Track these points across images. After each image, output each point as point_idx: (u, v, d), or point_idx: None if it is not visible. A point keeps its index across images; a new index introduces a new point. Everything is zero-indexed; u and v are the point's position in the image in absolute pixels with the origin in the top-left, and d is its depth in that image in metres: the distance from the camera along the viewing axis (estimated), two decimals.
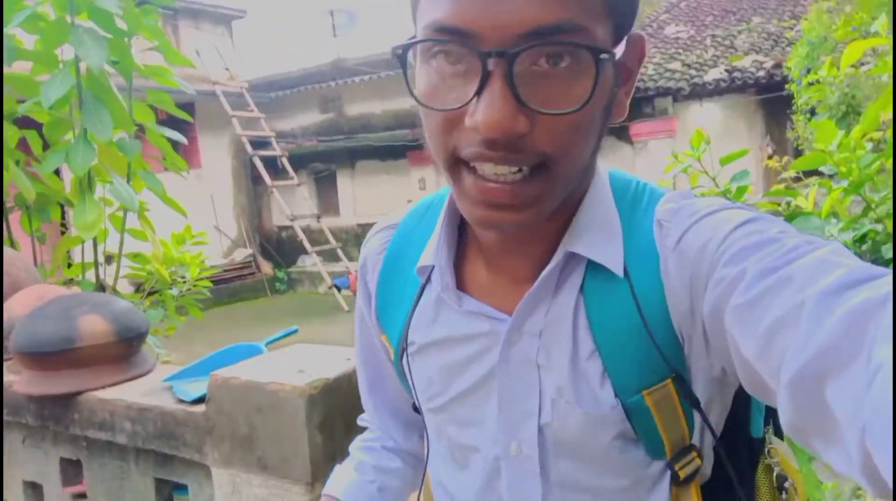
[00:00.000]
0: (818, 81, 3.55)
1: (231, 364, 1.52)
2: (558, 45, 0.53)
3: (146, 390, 1.71)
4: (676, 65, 10.58)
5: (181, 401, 1.60)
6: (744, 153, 1.75)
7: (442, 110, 0.57)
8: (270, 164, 11.90)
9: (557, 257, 0.66)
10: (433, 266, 0.73)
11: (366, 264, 0.86)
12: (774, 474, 0.79)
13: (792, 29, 10.22)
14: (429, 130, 0.60)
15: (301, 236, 10.58)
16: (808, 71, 5.26)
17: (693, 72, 10.25)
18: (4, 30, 2.64)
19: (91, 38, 2.74)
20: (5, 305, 2.02)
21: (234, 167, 13.49)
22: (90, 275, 3.02)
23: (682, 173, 2.10)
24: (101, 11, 2.85)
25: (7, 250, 2.34)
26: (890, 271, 0.48)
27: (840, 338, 0.43)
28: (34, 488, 2.03)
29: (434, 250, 0.73)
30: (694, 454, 0.70)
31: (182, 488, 1.69)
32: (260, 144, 11.92)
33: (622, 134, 10.59)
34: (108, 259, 3.23)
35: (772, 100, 9.47)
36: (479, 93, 0.54)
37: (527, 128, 0.55)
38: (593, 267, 0.67)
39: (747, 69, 9.71)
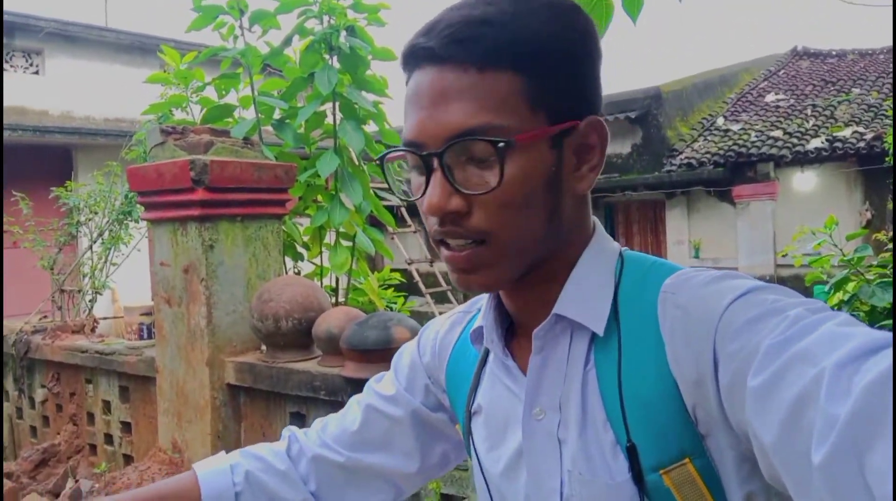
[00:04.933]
0: None
1: None
2: (466, 142, 0.64)
3: None
4: (778, 132, 11.14)
5: None
6: (864, 232, 2.54)
7: (415, 200, 0.70)
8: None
9: (548, 319, 0.72)
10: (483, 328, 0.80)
11: (430, 348, 0.93)
12: None
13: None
14: None
15: (417, 277, 11.52)
16: None
17: (795, 140, 10.77)
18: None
19: (353, 129, 3.72)
20: (322, 318, 2.93)
21: None
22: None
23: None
24: (352, 108, 3.84)
25: (311, 282, 3.28)
26: None
27: (867, 412, 0.44)
28: None
29: (483, 314, 0.80)
30: None
31: None
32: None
33: (724, 196, 11.16)
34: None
35: (871, 169, 9.90)
36: (426, 184, 0.67)
37: (462, 207, 0.66)
38: (599, 337, 0.70)
39: (848, 140, 10.17)
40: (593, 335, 0.71)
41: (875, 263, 2.70)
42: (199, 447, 3.13)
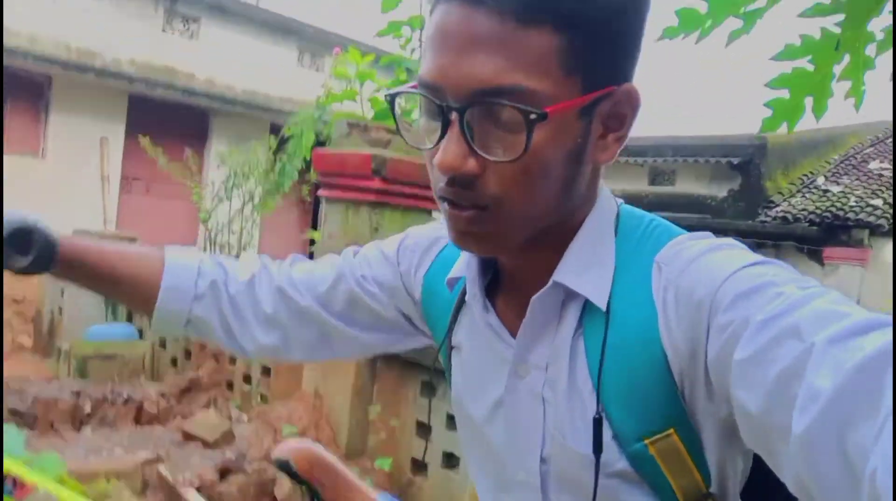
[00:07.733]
0: None
1: None
2: (496, 105, 0.59)
3: None
4: (878, 201, 11.11)
5: None
6: None
7: (422, 149, 0.66)
8: None
9: (547, 287, 0.69)
10: (461, 279, 0.77)
11: (414, 251, 0.88)
12: None
13: None
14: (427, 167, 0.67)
15: None
16: None
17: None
18: None
19: None
20: None
21: None
22: None
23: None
24: None
25: None
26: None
27: (855, 389, 0.43)
28: (423, 427, 3.28)
29: (465, 263, 0.76)
30: None
31: None
32: None
33: (814, 255, 11.19)
34: None
35: None
36: (441, 137, 0.61)
37: (477, 170, 0.61)
38: (591, 304, 0.68)
39: None
40: (586, 303, 0.69)
41: None
42: (338, 397, 3.62)
